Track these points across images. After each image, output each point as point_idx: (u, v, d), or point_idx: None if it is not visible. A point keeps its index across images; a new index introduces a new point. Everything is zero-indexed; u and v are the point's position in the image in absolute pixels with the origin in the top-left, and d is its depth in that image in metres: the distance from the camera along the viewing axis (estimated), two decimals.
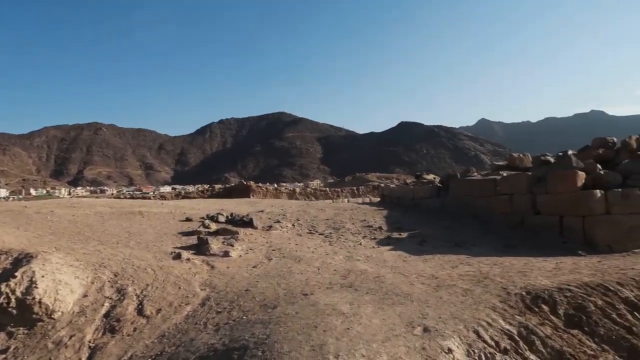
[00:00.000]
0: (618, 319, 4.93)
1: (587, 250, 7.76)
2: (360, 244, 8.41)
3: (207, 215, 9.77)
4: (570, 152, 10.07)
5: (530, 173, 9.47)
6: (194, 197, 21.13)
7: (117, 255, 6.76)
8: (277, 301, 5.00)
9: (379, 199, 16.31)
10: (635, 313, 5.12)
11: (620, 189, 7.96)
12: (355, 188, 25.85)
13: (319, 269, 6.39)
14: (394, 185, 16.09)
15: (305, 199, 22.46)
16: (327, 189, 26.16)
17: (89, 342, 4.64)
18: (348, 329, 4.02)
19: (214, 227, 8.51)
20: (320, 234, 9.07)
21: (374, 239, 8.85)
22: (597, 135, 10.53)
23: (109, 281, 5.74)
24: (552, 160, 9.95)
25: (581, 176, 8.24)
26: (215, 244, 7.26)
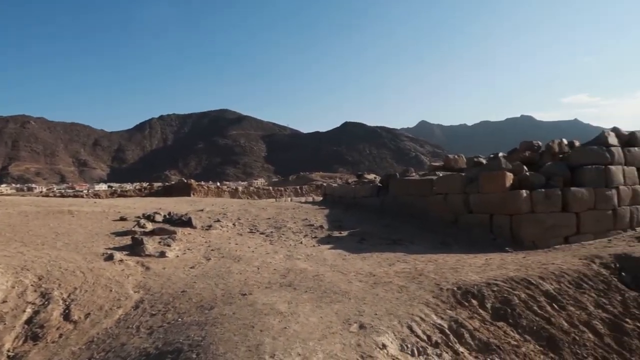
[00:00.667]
0: (539, 311, 5.29)
1: (514, 247, 8.26)
2: (301, 242, 8.45)
3: (144, 215, 9.41)
4: (500, 154, 10.65)
5: (463, 174, 9.93)
6: (131, 196, 20.29)
7: (43, 257, 6.36)
8: (215, 302, 4.91)
9: (321, 198, 16.45)
10: (554, 304, 5.52)
11: (543, 190, 8.54)
12: (298, 187, 25.92)
13: (258, 269, 6.34)
14: (336, 185, 16.29)
15: (248, 198, 22.22)
16: (271, 187, 26.05)
17: (8, 351, 4.34)
18: (285, 328, 4.02)
19: (150, 226, 8.21)
20: (262, 233, 9.01)
21: (315, 237, 8.92)
22: (527, 139, 11.20)
23: (32, 285, 5.39)
24: (484, 161, 10.47)
25: (509, 177, 8.75)
26: (151, 244, 7.01)
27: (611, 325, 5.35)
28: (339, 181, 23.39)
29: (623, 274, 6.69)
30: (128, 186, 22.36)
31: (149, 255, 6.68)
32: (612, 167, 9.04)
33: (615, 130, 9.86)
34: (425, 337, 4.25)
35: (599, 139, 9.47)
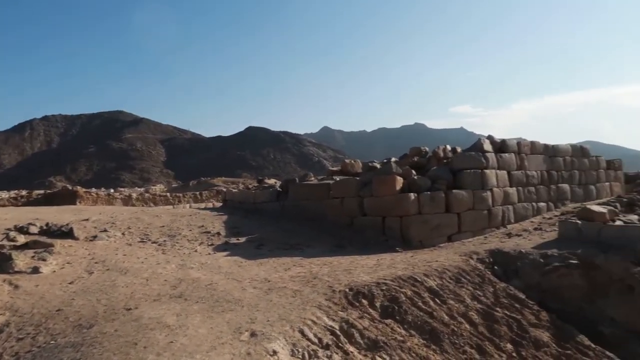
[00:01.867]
0: (423, 306, 5.65)
1: (403, 247, 8.76)
2: (196, 251, 8.16)
3: (15, 227, 8.42)
4: (393, 159, 11.25)
5: (358, 178, 10.33)
6: (4, 205, 18.10)
7: None
8: (95, 319, 4.53)
9: (221, 204, 16.07)
10: (437, 299, 5.93)
11: (429, 192, 9.19)
12: (198, 193, 25.06)
13: (147, 280, 5.99)
14: (236, 190, 16.03)
15: (143, 205, 20.98)
16: (168, 194, 24.87)
17: None
18: (171, 342, 3.83)
19: (21, 239, 7.37)
20: (154, 242, 8.54)
21: (212, 245, 8.67)
22: (420, 145, 11.97)
23: None
24: (378, 166, 10.98)
25: (399, 181, 9.28)
26: (22, 260, 6.28)
27: (484, 314, 5.89)
28: (241, 186, 23.09)
29: (495, 267, 7.41)
30: (4, 194, 19.85)
31: (19, 272, 5.99)
32: (487, 171, 10.00)
33: (489, 137, 10.92)
34: (316, 340, 4.31)
35: (476, 145, 10.43)
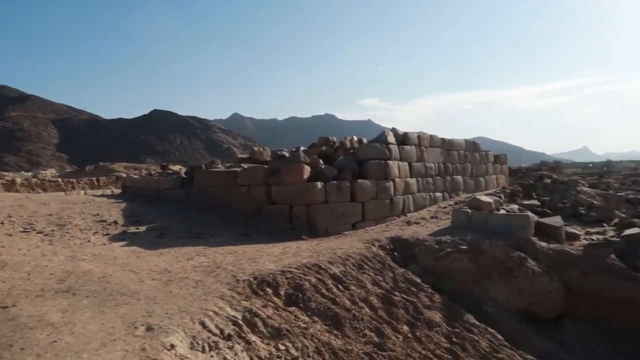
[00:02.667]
0: (326, 293, 5.76)
1: (310, 235, 8.88)
2: (89, 241, 7.56)
3: None
4: (302, 148, 11.31)
5: (267, 166, 10.26)
6: None
7: None
8: None
9: (120, 191, 15.06)
10: (340, 286, 6.09)
11: (335, 181, 9.39)
12: (95, 179, 23.24)
13: (29, 274, 5.42)
14: (137, 176, 15.11)
15: (29, 192, 18.98)
16: (60, 179, 22.76)
17: None
18: (55, 341, 3.51)
19: None
20: (39, 232, 7.76)
21: (107, 234, 8.09)
22: (330, 135, 12.14)
23: None
24: (287, 154, 10.97)
25: (307, 169, 9.36)
26: None
27: (384, 299, 6.16)
28: (144, 172, 21.80)
29: (395, 253, 7.80)
30: None
31: None
32: (390, 162, 10.46)
33: (393, 130, 11.42)
34: (217, 331, 4.21)
35: (380, 137, 10.85)
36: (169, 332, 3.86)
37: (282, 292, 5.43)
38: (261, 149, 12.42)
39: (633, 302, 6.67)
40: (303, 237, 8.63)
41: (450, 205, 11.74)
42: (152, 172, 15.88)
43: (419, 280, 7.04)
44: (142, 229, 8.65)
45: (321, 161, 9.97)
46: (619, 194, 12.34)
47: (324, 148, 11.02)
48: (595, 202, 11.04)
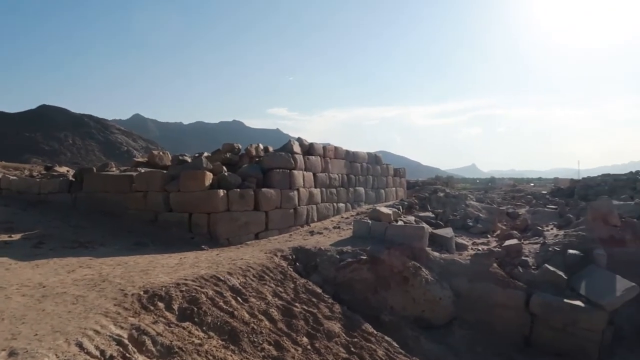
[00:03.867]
0: (224, 306, 5.50)
1: (210, 245, 8.51)
2: None
3: None
4: (205, 154, 10.89)
5: (166, 171, 9.70)
6: None
7: None
8: None
9: None
10: (239, 298, 5.86)
11: (239, 190, 9.14)
12: None
13: None
14: (15, 177, 13.47)
15: None
16: None
17: None
18: None
19: None
20: None
21: None
22: (238, 142, 11.83)
23: None
24: (189, 160, 10.48)
25: (208, 176, 9.00)
26: None
27: (284, 310, 6.05)
28: (27, 173, 19.52)
29: (297, 264, 7.74)
30: None
31: None
32: (295, 172, 10.46)
33: (299, 140, 11.47)
34: (97, 353, 3.77)
35: (286, 146, 10.82)
36: (37, 357, 3.38)
37: (175, 307, 5.07)
38: (161, 153, 11.75)
39: (511, 306, 7.27)
40: (203, 247, 8.25)
41: (352, 215, 12.02)
42: (35, 174, 14.27)
43: (320, 290, 7.04)
44: (16, 237, 7.68)
45: (225, 168, 9.66)
46: (500, 207, 13.56)
47: (228, 155, 10.71)
48: (481, 215, 12.00)
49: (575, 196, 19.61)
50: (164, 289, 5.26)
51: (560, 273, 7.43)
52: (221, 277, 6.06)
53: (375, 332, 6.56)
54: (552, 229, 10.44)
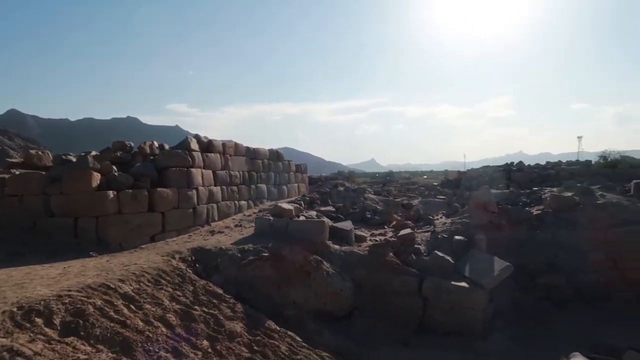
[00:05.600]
0: (115, 316, 5.13)
1: (100, 250, 7.89)
2: None
3: None
4: (93, 152, 10.05)
5: (45, 172, 8.78)
6: None
7: None
8: None
9: None
10: (132, 306, 5.50)
11: (131, 190, 8.58)
12: None
13: None
14: None
15: None
16: None
17: None
18: None
19: None
20: None
21: None
22: (133, 139, 11.06)
23: None
24: (73, 159, 9.61)
25: (96, 177, 8.32)
26: None
27: (183, 315, 5.80)
28: None
29: (197, 265, 7.49)
30: None
31: None
32: (193, 170, 10.08)
33: (196, 137, 11.07)
34: None
35: (183, 144, 10.38)
36: None
37: (57, 321, 4.61)
38: (39, 152, 10.61)
39: (406, 292, 7.72)
40: (91, 253, 7.62)
41: (255, 213, 11.92)
42: None
43: (221, 291, 6.88)
44: None
45: (115, 168, 9.00)
46: (396, 199, 14.34)
47: (119, 153, 10.00)
48: (378, 207, 12.57)
49: (462, 187, 21.38)
50: (42, 302, 4.76)
51: (448, 258, 8.02)
52: (111, 285, 5.65)
53: (278, 328, 6.56)
54: (441, 217, 11.24)
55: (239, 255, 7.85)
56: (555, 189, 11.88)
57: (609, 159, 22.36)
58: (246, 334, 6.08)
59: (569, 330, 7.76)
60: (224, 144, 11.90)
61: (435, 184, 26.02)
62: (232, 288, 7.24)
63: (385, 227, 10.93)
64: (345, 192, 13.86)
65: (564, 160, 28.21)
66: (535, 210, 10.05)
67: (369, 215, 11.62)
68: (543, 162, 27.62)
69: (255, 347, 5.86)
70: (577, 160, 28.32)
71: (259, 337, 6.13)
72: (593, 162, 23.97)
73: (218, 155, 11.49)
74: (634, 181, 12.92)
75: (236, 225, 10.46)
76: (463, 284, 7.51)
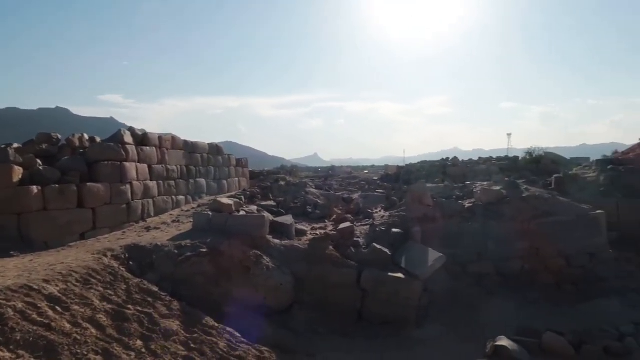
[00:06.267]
0: (39, 319, 4.83)
1: (23, 250, 7.39)
2: None
3: None
4: (15, 145, 9.36)
5: None
6: None
7: None
8: None
9: None
10: (57, 308, 5.20)
11: (57, 185, 8.08)
12: None
13: None
14: None
15: None
16: None
17: None
18: None
19: None
20: None
21: None
22: (63, 131, 10.40)
23: None
24: None
25: (17, 171, 7.76)
26: None
27: (114, 315, 5.57)
28: None
29: (131, 263, 7.21)
30: None
31: None
32: (127, 164, 9.65)
33: (131, 129, 10.59)
34: None
35: (116, 137, 9.90)
36: None
37: None
38: None
39: (345, 285, 7.85)
40: (12, 253, 7.11)
41: (193, 208, 11.63)
42: None
43: (156, 289, 6.67)
44: None
45: (39, 161, 8.44)
46: (337, 194, 14.52)
47: (44, 146, 9.38)
48: (319, 201, 12.67)
49: (401, 181, 22.02)
50: None
51: (386, 250, 8.24)
52: (34, 286, 5.31)
53: (217, 324, 6.47)
54: (380, 211, 11.51)
55: (176, 251, 7.63)
56: (485, 184, 12.52)
57: (534, 155, 23.83)
58: (183, 332, 5.94)
59: (496, 315, 8.22)
60: (160, 137, 11.49)
61: (376, 178, 26.60)
62: (169, 285, 7.05)
63: (326, 221, 11.03)
64: (286, 187, 13.84)
65: (494, 156, 29.80)
66: (467, 204, 10.54)
67: (310, 210, 11.68)
68: (476, 158, 29.03)
69: (192, 345, 5.74)
70: (506, 156, 29.99)
71: (196, 335, 6.01)
72: (520, 158, 25.47)
73: (154, 148, 11.07)
74: (555, 176, 13.95)
75: (173, 221, 10.16)
76: (400, 275, 7.75)
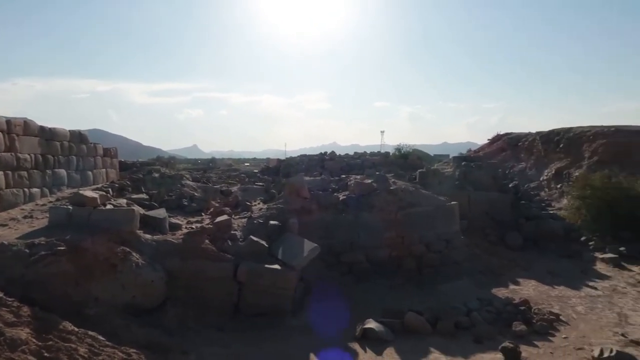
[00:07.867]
0: None
1: None
2: None
3: None
4: None
5: None
6: None
7: None
8: None
9: None
10: None
11: None
12: None
13: None
14: None
15: None
16: None
17: None
18: None
19: None
20: None
21: None
22: None
23: None
24: None
25: None
26: None
27: None
28: None
29: None
30: None
31: None
32: None
33: None
34: None
35: None
36: None
37: None
38: None
39: (221, 279, 7.72)
40: None
41: (50, 202, 10.45)
42: None
43: (1, 294, 5.88)
44: None
45: None
46: (215, 186, 14.19)
47: None
48: (196, 194, 12.26)
49: (281, 174, 22.26)
50: None
51: (263, 242, 8.28)
52: None
53: (76, 329, 5.91)
54: (259, 203, 11.52)
55: (27, 251, 6.80)
56: (358, 177, 13.24)
57: (402, 152, 25.86)
58: (34, 340, 5.33)
59: (367, 299, 8.79)
60: (9, 122, 10.08)
61: (256, 171, 26.55)
62: (17, 289, 6.28)
63: (203, 214, 10.73)
64: (160, 179, 13.11)
65: (369, 152, 31.65)
66: (342, 196, 11.05)
67: (185, 203, 11.25)
68: (352, 153, 30.56)
69: (45, 354, 5.18)
70: (379, 152, 32.07)
71: (51, 342, 5.42)
72: (390, 154, 27.44)
73: (1, 134, 9.68)
74: (419, 170, 15.31)
75: (25, 217, 9.02)
76: (276, 266, 7.84)
